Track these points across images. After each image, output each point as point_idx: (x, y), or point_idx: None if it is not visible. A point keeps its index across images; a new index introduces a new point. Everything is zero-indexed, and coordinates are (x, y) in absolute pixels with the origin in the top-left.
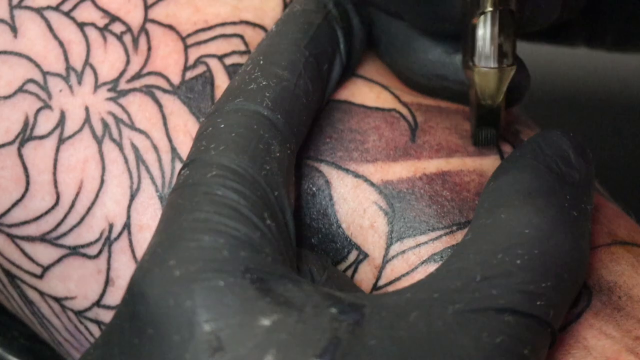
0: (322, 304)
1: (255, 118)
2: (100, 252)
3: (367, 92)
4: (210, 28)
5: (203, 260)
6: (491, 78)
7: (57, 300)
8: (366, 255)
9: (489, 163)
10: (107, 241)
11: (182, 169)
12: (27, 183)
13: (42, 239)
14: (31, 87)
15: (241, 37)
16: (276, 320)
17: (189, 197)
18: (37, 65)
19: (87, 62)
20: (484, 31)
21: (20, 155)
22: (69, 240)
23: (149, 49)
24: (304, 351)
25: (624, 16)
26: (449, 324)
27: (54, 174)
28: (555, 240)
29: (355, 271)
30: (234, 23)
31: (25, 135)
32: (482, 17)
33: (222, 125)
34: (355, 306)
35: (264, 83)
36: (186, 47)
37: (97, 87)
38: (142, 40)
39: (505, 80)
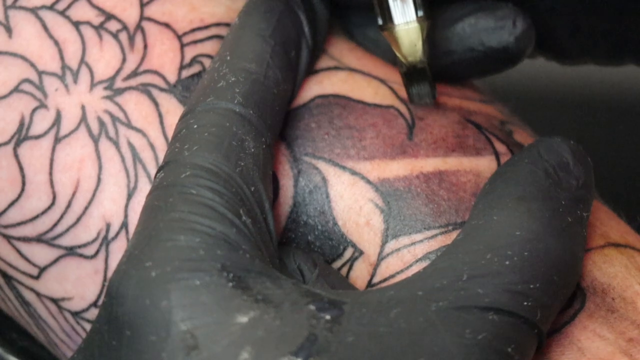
0: (301, 301)
1: (228, 115)
2: (97, 252)
3: (366, 86)
4: (206, 27)
5: (179, 260)
6: (408, 34)
7: (54, 301)
8: (361, 253)
9: (485, 163)
10: (105, 241)
11: (157, 171)
12: (23, 183)
13: (39, 239)
14: (26, 86)
15: None
16: (253, 317)
17: (164, 198)
18: (33, 65)
19: (82, 61)
20: None
21: (16, 155)
22: (66, 241)
23: (145, 47)
24: (279, 348)
25: (566, 32)
26: (430, 321)
27: (50, 173)
28: (546, 244)
29: (350, 268)
30: (228, 24)
31: (21, 135)
32: None
33: (195, 126)
34: (335, 303)
35: (232, 79)
36: (182, 46)
37: (93, 85)
38: (138, 38)
39: (421, 34)
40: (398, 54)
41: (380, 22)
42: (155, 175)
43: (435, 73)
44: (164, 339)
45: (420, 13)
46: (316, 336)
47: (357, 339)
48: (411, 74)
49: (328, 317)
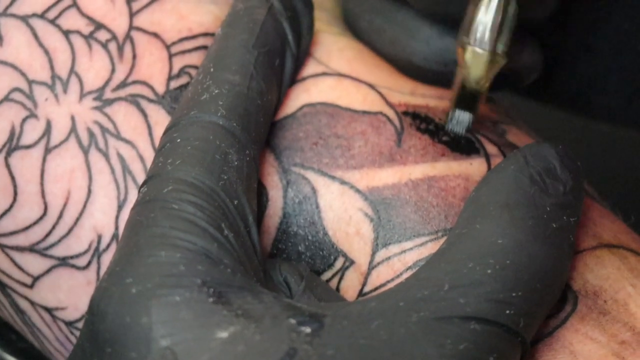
0: (281, 315)
1: (211, 129)
2: (89, 263)
3: (354, 93)
4: (194, 37)
5: (159, 275)
6: (483, 61)
7: (48, 310)
8: (352, 262)
9: (474, 167)
10: (96, 252)
11: (141, 186)
12: (15, 193)
13: (32, 249)
14: (17, 95)
15: None
16: (233, 332)
17: (146, 213)
18: (23, 74)
19: (72, 71)
20: (487, 15)
21: (7, 165)
22: (58, 251)
23: (134, 57)
24: None
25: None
26: (411, 332)
27: (41, 184)
28: (529, 251)
29: (341, 278)
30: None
31: (12, 145)
32: (487, 1)
33: (179, 140)
34: (316, 316)
35: (216, 91)
36: (170, 56)
37: (82, 95)
38: (127, 48)
39: (495, 66)
40: (462, 72)
41: (462, 39)
42: (139, 189)
43: (436, 77)
44: (144, 356)
45: (501, 48)
46: (296, 350)
47: (337, 352)
48: (463, 98)
49: (308, 330)
